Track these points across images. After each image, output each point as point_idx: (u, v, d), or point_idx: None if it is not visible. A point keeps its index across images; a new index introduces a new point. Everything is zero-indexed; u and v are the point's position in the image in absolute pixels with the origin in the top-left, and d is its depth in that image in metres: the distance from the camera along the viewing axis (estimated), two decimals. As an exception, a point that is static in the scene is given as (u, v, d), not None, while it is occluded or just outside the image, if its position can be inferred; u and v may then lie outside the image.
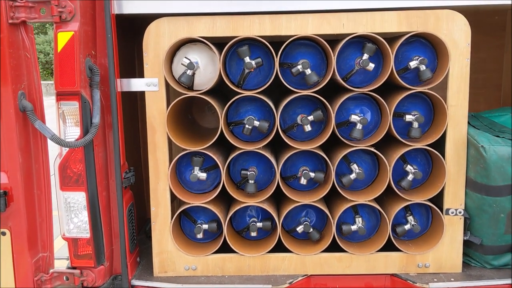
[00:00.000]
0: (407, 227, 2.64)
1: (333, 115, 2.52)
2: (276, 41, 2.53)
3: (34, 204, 2.35)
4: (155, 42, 2.47)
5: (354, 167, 2.61)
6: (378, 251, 2.62)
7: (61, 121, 2.35)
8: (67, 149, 2.35)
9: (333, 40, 2.59)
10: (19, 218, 2.28)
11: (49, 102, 2.49)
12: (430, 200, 2.61)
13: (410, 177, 2.59)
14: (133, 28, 2.97)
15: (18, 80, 2.23)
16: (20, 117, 2.24)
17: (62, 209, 2.43)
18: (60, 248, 4.04)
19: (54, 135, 2.23)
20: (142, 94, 2.59)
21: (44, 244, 2.41)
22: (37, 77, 2.33)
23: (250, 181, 2.59)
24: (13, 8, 2.19)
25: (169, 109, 2.50)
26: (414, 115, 2.54)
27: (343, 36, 2.47)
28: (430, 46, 2.58)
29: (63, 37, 2.23)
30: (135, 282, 2.60)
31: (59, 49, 2.24)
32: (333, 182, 2.59)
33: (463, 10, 2.47)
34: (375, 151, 2.58)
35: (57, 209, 2.45)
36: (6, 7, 2.17)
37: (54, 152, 2.42)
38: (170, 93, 2.66)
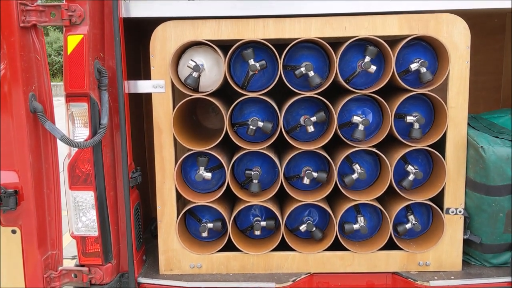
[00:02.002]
0: (408, 226, 2.69)
1: (335, 116, 2.57)
2: (280, 44, 2.58)
3: (44, 203, 2.40)
4: (162, 45, 2.52)
5: (356, 167, 2.66)
6: (380, 249, 2.67)
7: (70, 122, 2.40)
8: (76, 149, 2.40)
9: (335, 43, 2.64)
10: (29, 217, 2.33)
11: (55, 103, 2.53)
12: (430, 199, 2.65)
13: (411, 177, 2.64)
14: (138, 31, 3.02)
15: (29, 82, 2.29)
16: (30, 118, 2.30)
17: (71, 208, 2.48)
18: (64, 247, 4.08)
19: (64, 135, 2.29)
20: (147, 95, 2.64)
21: (53, 242, 2.47)
22: (47, 79, 2.38)
23: (254, 181, 2.64)
24: (24, 12, 2.24)
25: (175, 110, 2.56)
26: (415, 116, 2.59)
27: (346, 39, 2.52)
28: (431, 49, 2.63)
29: (73, 40, 2.29)
30: (142, 280, 2.65)
31: (69, 52, 2.29)
32: (336, 182, 2.64)
33: (463, 14, 2.52)
34: (376, 151, 2.63)
35: (65, 208, 2.50)
36: (18, 11, 2.22)
37: (63, 152, 2.47)
38: (175, 94, 2.72)
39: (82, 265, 2.53)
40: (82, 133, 2.40)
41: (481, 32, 3.30)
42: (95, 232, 2.49)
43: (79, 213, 2.49)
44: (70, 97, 2.35)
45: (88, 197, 2.46)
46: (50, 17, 2.31)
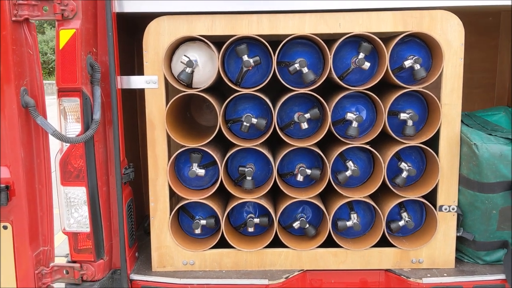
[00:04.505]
0: (401, 223, 2.69)
1: (329, 113, 2.57)
2: (274, 40, 2.57)
3: (35, 199, 2.39)
4: (155, 40, 2.51)
5: (350, 164, 2.66)
6: (373, 246, 2.66)
7: (62, 117, 2.39)
8: (68, 144, 2.38)
9: (330, 39, 2.63)
10: (21, 212, 2.31)
11: (49, 102, 2.51)
12: (424, 197, 2.65)
13: (404, 174, 2.63)
14: (132, 26, 3.01)
15: (21, 76, 2.27)
16: (22, 113, 2.28)
17: (62, 204, 2.46)
18: (58, 245, 4.07)
19: (56, 130, 2.27)
20: (141, 91, 2.63)
21: (45, 238, 2.45)
22: (39, 74, 2.37)
23: (248, 178, 2.63)
24: (17, 6, 2.23)
25: (168, 106, 2.54)
26: (408, 113, 2.58)
27: (340, 35, 2.51)
28: (425, 46, 2.63)
29: (65, 35, 2.27)
30: (134, 277, 2.64)
31: (61, 46, 2.28)
32: (329, 179, 2.63)
33: (458, 11, 2.51)
34: (370, 148, 2.63)
35: (57, 205, 2.48)
36: (10, 5, 2.20)
37: (55, 147, 2.45)
38: (169, 90, 2.70)
39: (74, 262, 2.51)
40: (74, 128, 2.38)
41: (476, 30, 3.30)
42: (87, 229, 2.47)
43: (71, 209, 2.47)
44: (62, 92, 2.34)
45: (80, 193, 2.44)
46: (42, 11, 2.29)
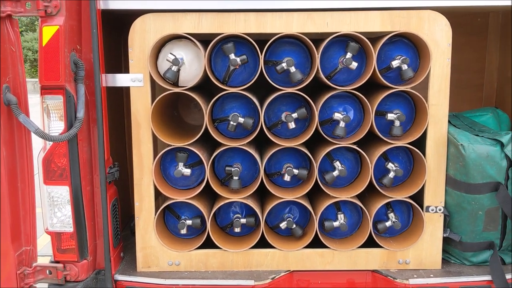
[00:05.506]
0: (388, 224, 2.68)
1: (316, 113, 2.55)
2: (262, 39, 2.55)
3: (18, 198, 2.35)
4: (141, 38, 2.48)
5: (337, 164, 2.64)
6: (360, 247, 2.65)
7: (45, 115, 2.35)
8: (51, 143, 2.35)
9: (317, 39, 2.62)
10: (3, 212, 2.27)
11: (37, 100, 2.48)
12: (411, 197, 2.64)
13: (391, 174, 2.62)
14: (120, 23, 2.98)
15: (3, 73, 2.23)
16: (4, 110, 2.24)
17: (45, 203, 2.43)
18: (46, 245, 4.04)
19: (38, 129, 2.24)
20: (128, 89, 2.60)
21: (28, 238, 2.41)
22: (22, 71, 2.33)
23: (234, 178, 2.61)
24: (-1, 2, 2.19)
25: (153, 104, 2.52)
26: (395, 113, 2.57)
27: (327, 35, 2.49)
28: (412, 46, 2.62)
29: (48, 31, 2.24)
30: (118, 277, 2.61)
31: (44, 43, 2.24)
32: (316, 179, 2.62)
33: (447, 12, 2.51)
34: (357, 148, 2.61)
35: (40, 205, 2.45)
36: (-9, 1, 2.17)
37: (38, 146, 2.41)
38: (156, 89, 2.67)
39: (57, 262, 2.47)
40: (57, 126, 2.35)
41: (465, 31, 3.31)
42: (70, 228, 2.44)
43: (54, 208, 2.43)
44: (45, 90, 2.31)
45: (63, 192, 2.41)
46: (25, 7, 2.25)
